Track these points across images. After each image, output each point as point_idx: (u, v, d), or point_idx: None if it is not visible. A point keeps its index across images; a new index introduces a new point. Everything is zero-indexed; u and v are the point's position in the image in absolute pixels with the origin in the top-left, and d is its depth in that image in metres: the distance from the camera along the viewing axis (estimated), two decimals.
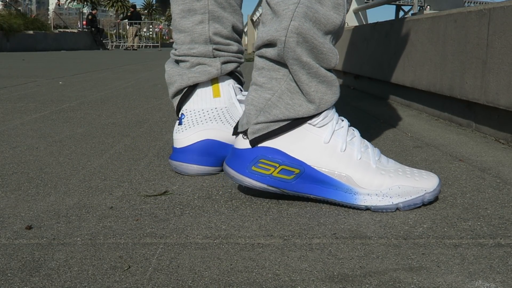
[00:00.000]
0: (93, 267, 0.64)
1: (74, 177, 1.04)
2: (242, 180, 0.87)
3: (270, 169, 0.86)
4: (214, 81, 1.07)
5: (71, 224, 0.78)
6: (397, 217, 0.81)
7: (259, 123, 0.86)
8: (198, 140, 1.05)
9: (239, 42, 1.10)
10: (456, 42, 1.64)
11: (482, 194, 0.94)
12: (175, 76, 1.06)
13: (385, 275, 0.62)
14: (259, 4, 12.01)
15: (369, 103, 2.31)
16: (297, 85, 0.84)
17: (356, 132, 0.89)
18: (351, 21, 3.67)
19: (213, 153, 1.05)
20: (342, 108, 2.15)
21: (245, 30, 21.34)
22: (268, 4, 0.84)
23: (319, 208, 0.86)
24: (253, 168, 0.86)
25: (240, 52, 1.10)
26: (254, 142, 0.87)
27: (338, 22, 0.83)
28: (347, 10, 0.86)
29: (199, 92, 1.07)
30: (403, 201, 0.84)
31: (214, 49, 1.05)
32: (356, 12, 3.71)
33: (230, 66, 1.07)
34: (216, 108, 1.07)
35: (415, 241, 0.72)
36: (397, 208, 0.84)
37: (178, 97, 1.08)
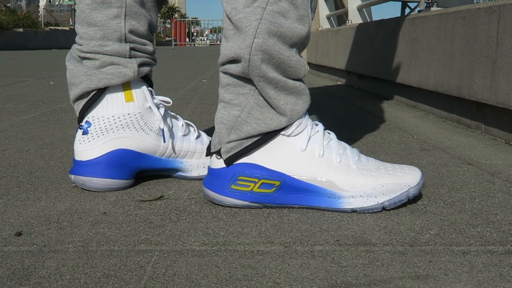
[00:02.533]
0: (86, 275, 0.64)
1: (65, 181, 1.04)
2: (222, 201, 0.88)
3: (250, 185, 0.87)
4: (126, 84, 1.00)
5: (63, 231, 0.78)
6: (403, 223, 0.81)
7: (231, 141, 0.87)
8: (109, 151, 0.97)
9: (153, 42, 1.05)
10: (464, 40, 1.64)
11: (491, 199, 0.94)
12: (81, 76, 0.97)
13: (390, 283, 0.62)
14: None
15: (373, 104, 2.31)
16: (265, 99, 0.85)
17: (332, 135, 0.91)
18: (355, 19, 3.67)
19: (126, 164, 0.98)
20: (346, 108, 2.15)
21: None
22: (230, 19, 0.84)
23: (322, 213, 0.86)
24: (232, 186, 0.87)
25: (154, 53, 1.04)
26: (229, 161, 0.87)
27: (304, 33, 0.84)
28: (312, 19, 0.87)
29: (109, 97, 0.98)
30: (388, 199, 0.86)
31: (131, 48, 0.98)
32: (360, 9, 3.71)
33: (146, 69, 1.01)
34: (129, 114, 0.99)
35: (421, 248, 0.72)
36: (383, 207, 0.86)
37: (82, 102, 0.98)
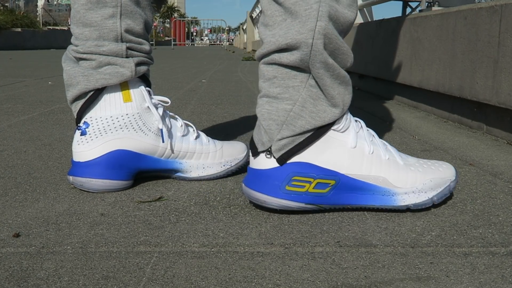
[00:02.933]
0: (84, 276, 0.64)
1: (64, 182, 1.04)
2: (277, 203, 0.84)
3: (305, 186, 0.84)
4: (123, 84, 1.00)
5: (61, 232, 0.78)
6: (404, 224, 0.81)
7: (284, 138, 0.83)
8: (108, 151, 0.97)
9: (149, 41, 1.05)
10: (466, 40, 1.64)
11: (493, 200, 0.94)
12: (79, 76, 0.97)
13: (391, 285, 0.62)
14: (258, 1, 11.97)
15: (374, 104, 2.31)
16: (320, 89, 0.82)
17: (372, 131, 0.90)
18: (356, 18, 3.68)
19: (125, 165, 0.98)
20: None
21: (244, 27, 21.36)
22: (281, 4, 0.80)
23: (322, 214, 0.86)
24: (287, 187, 0.84)
25: (150, 52, 1.04)
26: (282, 160, 0.84)
27: (352, 19, 0.83)
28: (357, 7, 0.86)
29: (107, 97, 0.99)
30: (436, 194, 0.87)
31: (128, 48, 0.98)
32: (361, 9, 3.71)
33: (143, 68, 1.01)
34: (127, 114, 0.99)
35: (423, 250, 0.72)
36: (433, 203, 0.87)
37: (80, 102, 0.99)
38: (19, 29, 14.72)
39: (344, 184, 0.85)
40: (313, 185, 0.84)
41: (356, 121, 0.89)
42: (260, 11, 0.88)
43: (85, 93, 0.97)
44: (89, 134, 0.98)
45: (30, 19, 16.73)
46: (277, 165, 0.84)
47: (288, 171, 0.84)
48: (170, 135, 1.03)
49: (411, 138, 1.52)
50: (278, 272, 0.65)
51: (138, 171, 1.01)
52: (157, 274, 0.64)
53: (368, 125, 1.73)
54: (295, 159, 0.84)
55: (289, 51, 0.80)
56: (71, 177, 0.98)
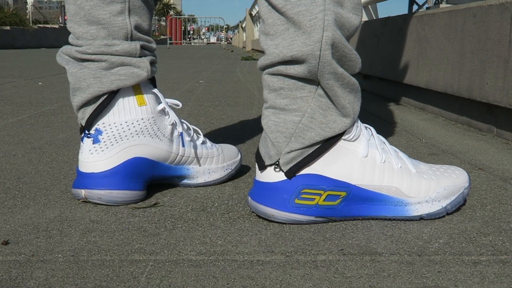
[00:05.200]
0: (76, 286, 0.64)
1: (55, 188, 1.04)
2: (287, 218, 0.84)
3: (315, 198, 0.84)
4: (136, 87, 0.97)
5: (52, 239, 0.78)
6: (411, 232, 0.82)
7: (292, 151, 0.83)
8: (125, 160, 0.94)
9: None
10: (475, 39, 1.64)
11: (504, 206, 0.95)
12: (89, 79, 0.93)
13: None
14: None
15: (379, 106, 2.31)
16: (330, 99, 0.82)
17: (383, 138, 0.90)
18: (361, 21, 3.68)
19: (143, 174, 0.96)
20: None
21: (243, 25, 21.38)
22: (282, 13, 0.79)
23: (324, 222, 0.86)
24: (297, 201, 0.83)
25: (155, 50, 1.02)
26: (290, 173, 0.84)
27: (358, 23, 0.83)
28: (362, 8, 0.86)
29: (120, 101, 0.95)
30: (450, 202, 0.87)
31: (142, 46, 0.96)
32: (365, 6, 3.72)
33: (154, 69, 0.99)
34: (142, 119, 0.96)
35: (430, 258, 0.72)
36: (447, 212, 0.87)
37: (89, 108, 0.94)
38: (8, 27, 14.73)
39: (356, 195, 0.85)
40: (323, 197, 0.84)
41: (366, 128, 0.88)
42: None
43: (97, 98, 0.94)
44: (104, 141, 0.94)
45: (19, 17, 16.74)
46: (285, 178, 0.84)
47: (297, 184, 0.84)
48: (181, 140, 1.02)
49: (418, 141, 1.53)
50: (279, 281, 0.65)
51: (151, 180, 1.00)
52: (152, 284, 0.64)
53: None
54: (305, 171, 0.84)
55: (296, 63, 0.80)
56: (83, 190, 0.93)
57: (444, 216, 0.87)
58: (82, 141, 0.96)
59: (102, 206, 0.93)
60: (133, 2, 0.95)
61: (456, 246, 0.76)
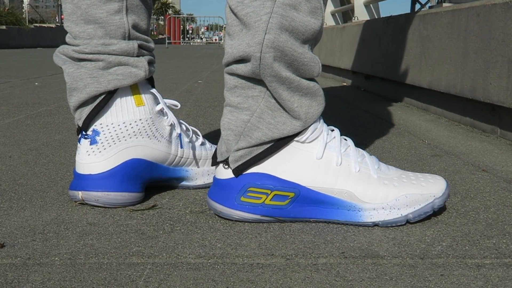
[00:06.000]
0: None
1: (51, 189, 1.04)
2: (231, 214, 0.86)
3: (261, 197, 0.85)
4: (134, 87, 0.97)
5: (48, 242, 0.78)
6: (413, 234, 0.82)
7: (240, 149, 0.85)
8: (123, 161, 0.94)
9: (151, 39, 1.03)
10: (479, 38, 1.64)
11: (508, 208, 0.95)
12: (86, 79, 0.92)
13: None
14: None
15: (381, 106, 2.31)
16: (278, 102, 0.84)
17: (350, 142, 0.90)
18: (362, 15, 3.68)
19: (141, 175, 0.96)
20: (351, 111, 2.15)
21: None
22: (235, 14, 0.82)
23: (326, 224, 0.86)
24: (242, 198, 0.85)
25: (153, 50, 1.02)
26: (238, 171, 0.86)
27: (317, 27, 0.83)
28: (324, 11, 0.86)
29: (118, 102, 0.95)
30: (413, 211, 0.85)
31: (139, 46, 0.96)
32: (367, 5, 3.72)
33: (152, 68, 0.99)
34: (140, 119, 0.97)
35: (433, 261, 0.72)
36: (407, 220, 0.85)
37: (86, 108, 0.94)
38: (4, 27, 14.73)
39: (305, 197, 0.85)
40: (270, 197, 0.85)
41: (332, 130, 0.89)
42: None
43: (94, 98, 0.94)
44: (101, 142, 0.94)
45: (15, 16, 16.76)
46: (233, 175, 0.86)
47: (244, 182, 0.86)
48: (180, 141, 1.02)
49: (421, 143, 1.53)
50: (279, 285, 0.65)
51: (149, 182, 1.00)
52: (150, 287, 0.64)
53: (374, 129, 1.73)
54: (254, 169, 0.86)
55: (244, 62, 0.82)
56: (80, 192, 0.93)
57: (404, 225, 0.85)
58: (79, 142, 0.96)
59: (99, 208, 0.93)
60: (131, 1, 0.95)
61: (459, 249, 0.76)
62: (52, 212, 0.91)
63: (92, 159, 0.94)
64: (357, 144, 1.48)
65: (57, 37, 16.56)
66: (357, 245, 0.77)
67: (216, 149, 0.91)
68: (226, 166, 0.87)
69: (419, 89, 2.21)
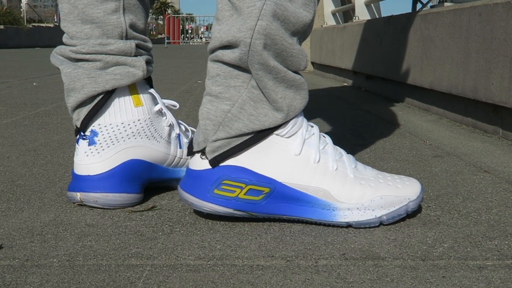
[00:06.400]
0: None
1: (50, 191, 1.04)
2: (202, 206, 0.85)
3: (235, 191, 0.84)
4: (132, 87, 0.97)
5: (47, 243, 0.78)
6: (414, 236, 0.82)
7: (218, 140, 0.84)
8: (121, 162, 0.94)
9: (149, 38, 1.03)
10: (480, 38, 1.64)
11: (510, 209, 0.95)
12: (84, 79, 0.92)
13: None
14: None
15: (382, 107, 2.31)
16: (262, 92, 0.83)
17: (328, 139, 0.89)
18: (362, 15, 3.68)
19: (139, 176, 0.96)
20: (352, 112, 2.16)
21: None
22: None
23: (326, 225, 0.86)
24: (216, 191, 0.84)
25: (151, 50, 1.02)
26: (214, 162, 0.85)
27: (308, 20, 0.83)
28: (317, 5, 0.86)
29: (116, 102, 0.95)
30: (387, 213, 0.84)
31: (137, 45, 0.96)
32: (368, 5, 3.72)
33: (150, 68, 0.99)
34: (139, 120, 0.97)
35: (434, 263, 0.72)
36: (381, 222, 0.85)
37: (84, 109, 0.94)
38: (2, 27, 14.74)
39: (280, 193, 0.84)
40: (244, 191, 0.84)
41: (312, 126, 0.89)
42: None
43: (92, 98, 0.94)
44: (99, 143, 0.94)
45: (13, 16, 16.76)
46: (209, 167, 0.85)
47: (219, 174, 0.85)
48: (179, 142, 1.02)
49: (422, 143, 1.53)
50: (279, 286, 0.65)
51: (148, 183, 1.00)
52: None
53: (375, 129, 1.73)
54: (230, 162, 0.85)
55: (231, 48, 0.81)
56: (79, 193, 0.93)
57: (377, 227, 0.85)
58: (77, 143, 0.96)
59: (98, 209, 0.93)
60: (128, 0, 0.95)
61: (461, 251, 0.76)
62: (51, 213, 0.91)
63: (90, 160, 0.94)
64: (358, 144, 1.49)
65: (55, 37, 16.57)
66: (358, 247, 0.77)
67: (191, 139, 0.90)
68: (203, 157, 0.86)
69: (420, 89, 2.21)
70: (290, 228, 0.85)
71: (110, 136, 0.94)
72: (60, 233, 0.82)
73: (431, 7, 2.38)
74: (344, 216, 0.84)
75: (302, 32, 0.84)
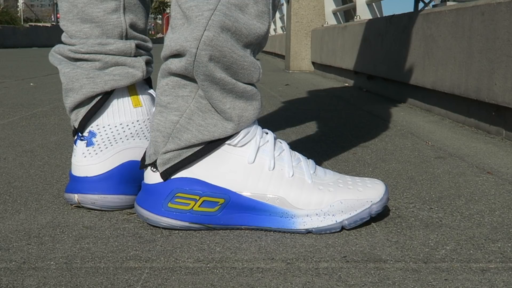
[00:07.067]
0: None
1: (47, 192, 1.04)
2: (158, 221, 0.84)
3: (190, 203, 0.83)
4: (131, 87, 0.97)
5: (44, 246, 0.78)
6: (416, 238, 0.82)
7: (168, 152, 0.83)
8: (119, 163, 0.94)
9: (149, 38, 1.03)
10: (483, 38, 1.65)
11: None
12: (82, 79, 0.92)
13: None
14: None
15: (384, 107, 2.31)
16: (209, 102, 0.82)
17: (284, 145, 0.88)
18: (364, 14, 3.69)
19: (138, 178, 0.94)
20: (353, 112, 2.16)
21: None
22: (179, 5, 0.81)
23: None
24: (169, 205, 0.83)
25: (151, 50, 1.02)
26: (165, 175, 0.84)
27: (262, 32, 0.82)
28: (273, 17, 0.85)
29: (115, 102, 0.95)
30: (348, 218, 0.83)
31: (137, 46, 0.96)
32: (369, 4, 3.72)
33: (150, 69, 0.99)
34: (137, 120, 0.97)
35: (436, 265, 0.72)
36: (343, 227, 0.84)
37: (82, 109, 0.94)
38: None
39: (236, 203, 0.84)
40: (199, 203, 0.83)
41: (266, 133, 0.88)
42: None
43: (90, 99, 0.93)
44: (98, 144, 0.94)
45: (10, 15, 16.77)
46: (161, 180, 0.84)
47: (171, 187, 0.84)
48: None
49: (424, 144, 1.53)
50: None
51: None
52: None
53: (377, 130, 1.74)
54: (183, 174, 0.84)
55: (178, 57, 0.81)
56: (76, 195, 0.93)
57: (339, 232, 0.84)
58: (75, 144, 0.96)
59: (96, 211, 0.93)
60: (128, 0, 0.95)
61: (463, 253, 0.76)
62: (48, 215, 0.91)
63: (88, 161, 0.94)
64: (359, 145, 1.49)
65: (52, 36, 16.57)
66: (359, 249, 0.77)
67: (144, 152, 0.89)
68: (154, 170, 0.85)
69: (422, 89, 2.21)
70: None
71: (108, 137, 0.94)
72: (58, 235, 0.82)
73: (433, 6, 2.38)
74: (303, 223, 0.83)
75: (256, 44, 0.83)
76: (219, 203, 0.83)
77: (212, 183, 0.83)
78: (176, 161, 0.83)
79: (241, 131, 0.84)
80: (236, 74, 0.82)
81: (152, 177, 0.85)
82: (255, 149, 0.84)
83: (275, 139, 0.87)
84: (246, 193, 0.83)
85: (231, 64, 0.80)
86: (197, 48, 0.78)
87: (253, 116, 0.85)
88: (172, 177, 0.84)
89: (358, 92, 3.02)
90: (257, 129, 0.86)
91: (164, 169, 0.84)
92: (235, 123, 0.83)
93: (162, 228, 0.85)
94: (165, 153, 0.83)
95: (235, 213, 0.84)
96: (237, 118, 0.83)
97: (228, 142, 0.84)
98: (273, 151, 0.86)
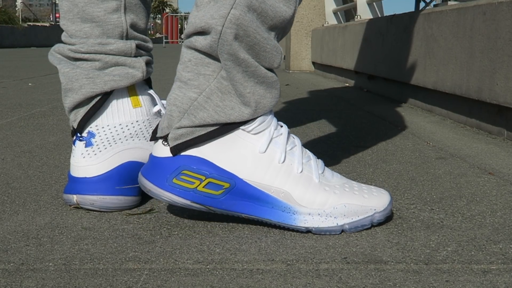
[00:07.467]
0: None
1: (45, 193, 1.04)
2: (160, 195, 0.84)
3: (194, 182, 0.84)
4: (131, 87, 0.97)
5: (42, 247, 0.78)
6: (417, 239, 0.82)
7: (182, 127, 0.83)
8: (118, 164, 0.94)
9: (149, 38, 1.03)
10: (485, 38, 1.65)
11: None
12: (82, 79, 0.92)
13: None
14: None
15: (384, 108, 2.32)
16: (230, 84, 0.82)
17: (297, 141, 0.88)
18: (365, 14, 3.69)
19: (136, 178, 0.93)
20: (354, 113, 2.16)
21: None
22: None
23: None
24: (174, 180, 0.84)
25: (151, 50, 1.02)
26: (175, 150, 0.84)
27: (288, 16, 0.82)
28: (299, 2, 0.85)
29: (114, 103, 0.95)
30: (349, 222, 0.84)
31: (137, 46, 0.96)
32: (370, 3, 3.72)
33: (150, 69, 0.99)
34: (137, 121, 0.97)
35: (438, 267, 0.72)
36: (342, 230, 0.84)
37: (81, 110, 0.94)
38: None
39: (240, 190, 0.84)
40: (204, 183, 0.83)
41: (281, 126, 0.88)
42: None
43: (89, 99, 0.93)
44: (97, 145, 0.94)
45: (8, 15, 16.77)
46: (170, 154, 0.85)
47: (179, 163, 0.84)
48: None
49: (425, 145, 1.53)
50: None
51: None
52: None
53: (377, 131, 1.74)
54: (192, 152, 0.84)
55: (203, 35, 0.81)
56: (75, 196, 0.93)
57: (339, 234, 0.84)
58: (74, 144, 0.96)
59: (94, 212, 0.93)
60: None
61: (465, 254, 0.76)
62: (46, 216, 0.91)
63: (87, 161, 0.94)
64: (360, 146, 1.49)
65: (51, 36, 16.57)
66: (359, 250, 0.77)
67: (157, 124, 0.89)
68: (165, 143, 0.85)
69: (423, 89, 2.21)
70: (290, 232, 0.85)
71: (107, 138, 0.94)
72: (56, 236, 0.82)
73: (435, 5, 2.39)
74: (304, 220, 0.83)
75: (280, 28, 0.83)
76: (224, 187, 0.83)
77: (220, 166, 0.84)
78: (188, 138, 0.83)
79: (257, 119, 0.84)
80: (258, 56, 0.82)
81: (161, 150, 0.86)
82: (268, 139, 0.85)
83: (288, 133, 0.88)
84: (252, 182, 0.84)
85: (254, 45, 0.81)
86: (223, 26, 0.78)
87: (271, 105, 0.85)
88: (181, 154, 0.84)
89: (359, 92, 3.02)
90: (272, 120, 0.87)
91: (174, 144, 0.84)
92: (252, 108, 0.83)
93: (164, 202, 0.85)
94: (178, 128, 0.83)
95: (238, 200, 0.84)
96: (254, 104, 0.83)
97: (242, 127, 0.84)
98: (286, 144, 0.86)
